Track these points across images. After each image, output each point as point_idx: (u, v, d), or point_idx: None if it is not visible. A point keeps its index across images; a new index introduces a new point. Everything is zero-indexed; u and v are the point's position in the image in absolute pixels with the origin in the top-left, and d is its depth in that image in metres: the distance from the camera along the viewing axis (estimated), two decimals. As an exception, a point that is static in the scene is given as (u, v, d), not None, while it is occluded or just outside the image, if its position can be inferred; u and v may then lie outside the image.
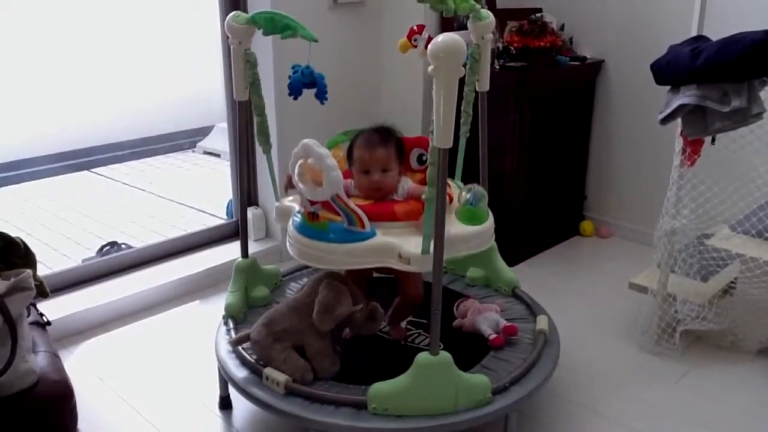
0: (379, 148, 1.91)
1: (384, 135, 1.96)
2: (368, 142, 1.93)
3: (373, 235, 1.75)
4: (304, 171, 1.73)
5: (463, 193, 1.88)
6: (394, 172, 1.94)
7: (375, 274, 2.17)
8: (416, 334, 2.12)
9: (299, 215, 1.84)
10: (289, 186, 1.92)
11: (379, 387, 1.71)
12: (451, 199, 1.92)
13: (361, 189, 1.95)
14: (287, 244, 1.86)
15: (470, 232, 1.82)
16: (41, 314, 2.00)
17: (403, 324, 2.15)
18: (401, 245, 1.71)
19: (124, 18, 5.74)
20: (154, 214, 4.51)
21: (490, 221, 1.90)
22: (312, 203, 1.75)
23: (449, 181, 2.12)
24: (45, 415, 1.62)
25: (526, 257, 3.21)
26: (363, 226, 1.74)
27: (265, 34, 1.93)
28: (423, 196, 1.64)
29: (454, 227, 1.80)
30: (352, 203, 1.75)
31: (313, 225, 1.77)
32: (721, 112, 2.02)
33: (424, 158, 2.04)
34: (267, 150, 2.13)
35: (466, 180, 2.11)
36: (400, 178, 1.96)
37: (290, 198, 2.07)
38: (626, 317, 2.60)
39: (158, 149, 6.11)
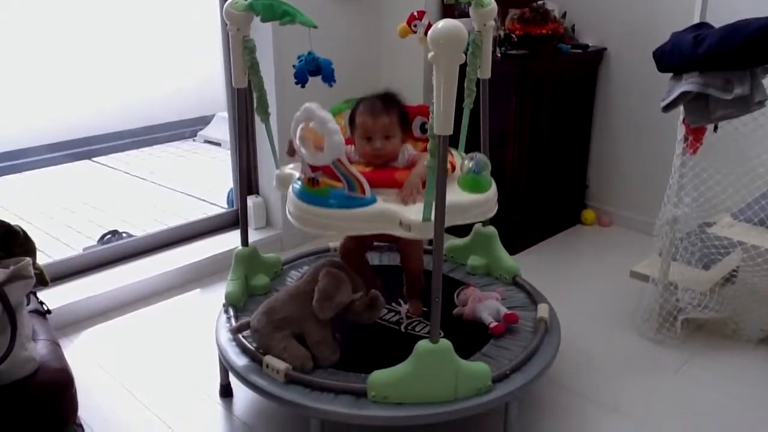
0: (382, 114, 1.90)
1: (387, 102, 1.94)
2: (371, 108, 1.92)
3: (373, 201, 1.74)
4: (306, 135, 1.71)
5: (466, 161, 1.86)
6: (396, 139, 1.93)
7: (375, 243, 2.16)
8: (416, 322, 2.12)
9: (299, 182, 1.83)
10: (290, 152, 1.90)
11: (378, 375, 1.71)
12: (453, 167, 1.90)
13: (362, 155, 1.94)
14: (287, 211, 1.85)
15: (472, 200, 1.81)
16: (41, 302, 2.00)
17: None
18: (402, 212, 1.70)
19: (125, 7, 5.71)
20: (155, 203, 4.51)
21: (492, 190, 1.88)
22: (313, 169, 1.74)
23: (453, 151, 2.11)
24: (45, 403, 1.62)
25: (528, 246, 3.20)
26: (364, 193, 1.73)
27: (264, 20, 1.92)
28: (424, 164, 1.63)
29: (456, 195, 1.79)
30: (353, 168, 1.73)
31: (313, 191, 1.76)
32: (724, 100, 2.01)
33: (426, 127, 2.01)
34: (265, 119, 2.10)
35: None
36: (403, 145, 1.95)
37: (291, 165, 2.06)
38: (627, 306, 2.60)
39: (159, 138, 6.09)
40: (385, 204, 1.74)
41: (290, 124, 1.76)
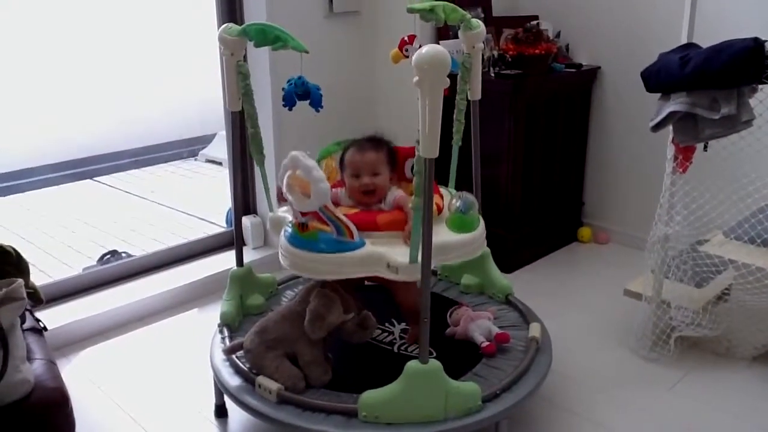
0: (370, 151, 1.98)
1: (375, 141, 2.03)
2: (359, 146, 2.00)
3: (362, 244, 1.77)
4: (293, 182, 1.75)
5: (453, 200, 1.89)
6: (383, 177, 1.97)
7: (367, 282, 2.18)
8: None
9: (290, 226, 1.86)
10: (280, 198, 1.94)
11: (369, 395, 1.73)
12: (440, 209, 1.93)
13: (352, 193, 1.98)
14: (279, 254, 1.88)
15: (459, 240, 1.84)
16: (38, 320, 2.02)
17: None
18: (389, 254, 1.73)
19: (126, 27, 5.78)
20: (155, 223, 4.53)
21: (480, 229, 1.91)
22: (302, 214, 1.77)
23: (441, 189, 2.15)
24: (41, 422, 1.63)
25: (524, 264, 3.22)
26: (352, 237, 1.76)
27: (257, 45, 1.95)
28: (409, 206, 1.66)
29: (443, 235, 1.82)
30: (340, 213, 1.77)
31: (303, 235, 1.79)
32: (711, 119, 2.03)
33: None
34: (260, 161, 2.15)
35: (460, 189, 2.12)
36: (390, 186, 1.98)
37: (284, 209, 2.09)
38: (622, 323, 2.60)
39: (160, 158, 6.14)
40: (373, 247, 1.78)
41: (286, 150, 1.80)
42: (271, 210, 2.15)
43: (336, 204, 1.81)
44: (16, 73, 5.26)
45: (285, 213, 2.06)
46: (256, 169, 3.16)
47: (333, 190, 1.85)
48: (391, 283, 1.94)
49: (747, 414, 2.12)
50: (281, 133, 3.00)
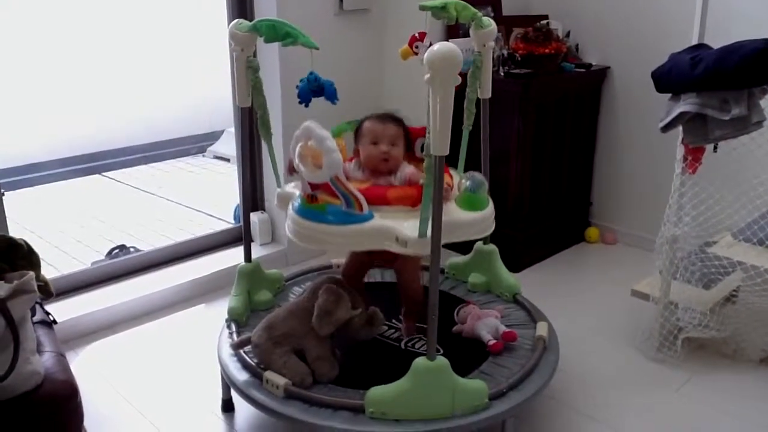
0: (390, 123, 1.99)
1: (394, 117, 2.04)
2: (380, 117, 2.01)
3: (370, 217, 1.76)
4: (305, 152, 1.74)
5: (463, 180, 1.89)
6: (400, 149, 1.98)
7: (375, 266, 2.17)
8: (416, 339, 2.13)
9: (299, 199, 1.86)
10: (290, 170, 1.93)
11: (376, 391, 1.73)
12: (451, 187, 1.92)
13: (368, 161, 1.98)
14: (286, 226, 1.88)
15: (469, 218, 1.82)
16: (47, 313, 2.03)
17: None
18: (398, 228, 1.72)
19: (136, 24, 5.80)
20: (163, 218, 4.55)
21: (489, 208, 1.90)
22: (312, 187, 1.77)
23: (451, 170, 2.13)
24: (50, 414, 1.64)
25: (532, 263, 3.22)
26: (361, 209, 1.75)
27: (267, 41, 1.96)
28: (420, 181, 1.65)
29: (453, 213, 1.81)
30: (350, 185, 1.76)
31: (312, 207, 1.78)
32: (722, 120, 2.02)
33: None
34: (267, 138, 2.14)
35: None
36: (402, 162, 1.98)
37: (292, 185, 2.09)
38: (629, 324, 2.60)
39: (169, 153, 6.16)
40: (382, 220, 1.77)
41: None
42: (278, 186, 2.15)
43: (347, 177, 1.80)
44: (27, 68, 5.29)
45: (293, 189, 2.05)
46: (265, 166, 3.21)
47: (344, 163, 1.84)
48: (397, 264, 1.94)
49: (754, 416, 2.12)
50: (289, 130, 2.99)
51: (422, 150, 2.09)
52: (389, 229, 1.74)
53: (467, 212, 1.84)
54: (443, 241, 1.65)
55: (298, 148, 1.76)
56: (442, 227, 1.62)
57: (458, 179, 1.96)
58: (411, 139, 2.07)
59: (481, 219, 1.86)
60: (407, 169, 1.96)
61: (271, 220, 3.24)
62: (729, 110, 2.00)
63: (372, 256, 1.91)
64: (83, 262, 3.56)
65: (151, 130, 6.06)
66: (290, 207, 1.88)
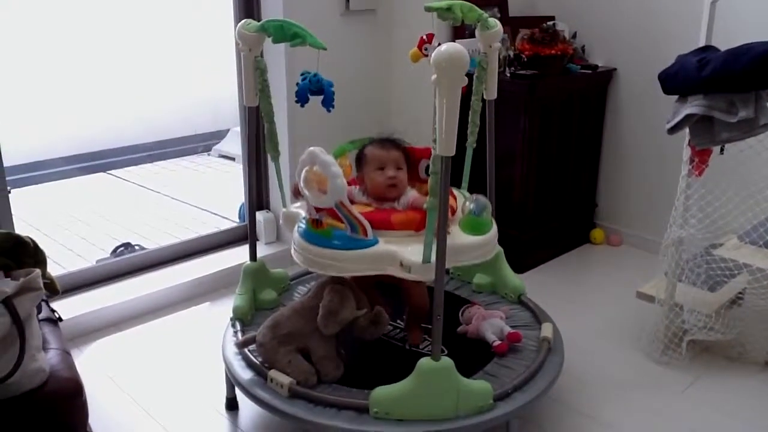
0: (392, 147, 2.01)
1: (393, 141, 2.06)
2: (382, 143, 2.03)
3: (375, 242, 1.78)
4: (310, 178, 1.76)
5: (467, 203, 1.89)
6: (405, 173, 1.99)
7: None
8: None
9: (304, 222, 1.86)
10: (296, 193, 1.95)
11: (381, 391, 1.73)
12: (453, 211, 1.93)
13: (374, 188, 1.98)
14: (292, 250, 1.89)
15: (472, 242, 1.84)
16: (53, 310, 2.04)
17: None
18: (402, 253, 1.74)
19: (142, 23, 5.81)
20: (168, 217, 4.56)
21: (492, 232, 1.91)
22: (317, 210, 1.78)
23: (455, 191, 2.14)
24: (55, 411, 1.64)
25: (537, 264, 3.21)
26: (366, 234, 1.77)
27: (275, 41, 1.96)
28: (424, 206, 1.66)
29: (456, 237, 1.82)
30: (355, 210, 1.77)
31: (317, 231, 1.80)
32: (729, 123, 2.02)
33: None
34: (275, 157, 2.15)
35: (473, 189, 2.13)
36: (406, 187, 1.99)
37: (297, 204, 2.10)
38: (633, 326, 2.60)
39: (174, 152, 6.17)
40: (387, 245, 1.78)
41: (299, 146, 1.80)
42: (284, 206, 2.16)
43: (351, 201, 1.81)
44: (33, 66, 5.30)
45: (298, 209, 2.06)
46: (270, 165, 3.20)
47: (348, 187, 1.86)
48: (403, 283, 1.95)
49: (759, 419, 2.12)
50: (295, 130, 3.01)
51: (426, 172, 2.10)
52: (394, 254, 1.75)
53: (470, 236, 1.85)
54: (446, 266, 1.66)
55: (303, 173, 1.78)
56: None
57: (462, 200, 1.97)
58: (413, 160, 2.09)
59: (484, 243, 1.87)
60: (410, 195, 1.97)
61: (276, 220, 3.24)
62: (736, 112, 2.00)
63: (377, 277, 1.93)
64: (88, 260, 3.57)
65: (157, 128, 6.08)
66: (296, 231, 1.89)
